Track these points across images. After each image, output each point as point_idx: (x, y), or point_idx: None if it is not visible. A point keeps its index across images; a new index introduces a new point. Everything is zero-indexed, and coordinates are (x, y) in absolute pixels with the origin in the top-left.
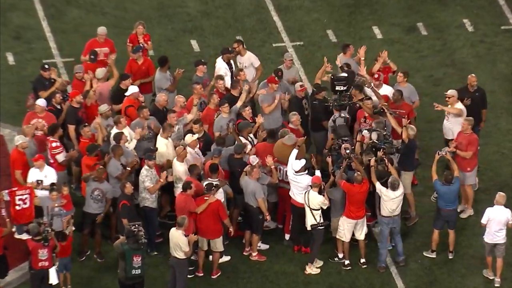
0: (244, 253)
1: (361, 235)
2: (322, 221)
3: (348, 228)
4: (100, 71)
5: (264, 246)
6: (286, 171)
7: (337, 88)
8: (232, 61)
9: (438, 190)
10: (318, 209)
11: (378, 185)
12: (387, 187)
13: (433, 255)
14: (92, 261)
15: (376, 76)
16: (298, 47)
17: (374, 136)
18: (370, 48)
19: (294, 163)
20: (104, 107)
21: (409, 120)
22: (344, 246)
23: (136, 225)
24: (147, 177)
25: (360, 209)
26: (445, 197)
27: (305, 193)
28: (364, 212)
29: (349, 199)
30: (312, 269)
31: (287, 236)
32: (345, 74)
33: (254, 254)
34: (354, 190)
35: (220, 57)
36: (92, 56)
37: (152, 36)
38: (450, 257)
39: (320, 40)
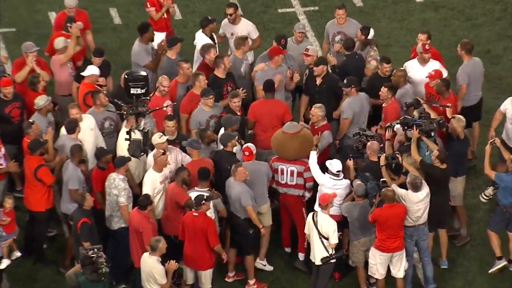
0: None
1: (399, 272)
2: (333, 252)
3: (381, 263)
4: (59, 41)
5: (269, 268)
6: (292, 171)
7: (133, 91)
8: (214, 35)
9: (507, 183)
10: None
11: (395, 188)
12: (406, 189)
13: (503, 262)
14: None
15: (427, 47)
16: (312, 14)
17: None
18: (408, 15)
19: (334, 164)
20: (42, 100)
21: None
22: (378, 285)
23: (95, 250)
24: (125, 190)
25: (395, 237)
26: None
27: (312, 216)
28: (402, 242)
29: (379, 226)
30: None
31: (301, 256)
32: (144, 73)
33: (251, 281)
34: (384, 214)
35: (200, 30)
36: (68, 24)
37: None
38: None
39: (340, 4)
